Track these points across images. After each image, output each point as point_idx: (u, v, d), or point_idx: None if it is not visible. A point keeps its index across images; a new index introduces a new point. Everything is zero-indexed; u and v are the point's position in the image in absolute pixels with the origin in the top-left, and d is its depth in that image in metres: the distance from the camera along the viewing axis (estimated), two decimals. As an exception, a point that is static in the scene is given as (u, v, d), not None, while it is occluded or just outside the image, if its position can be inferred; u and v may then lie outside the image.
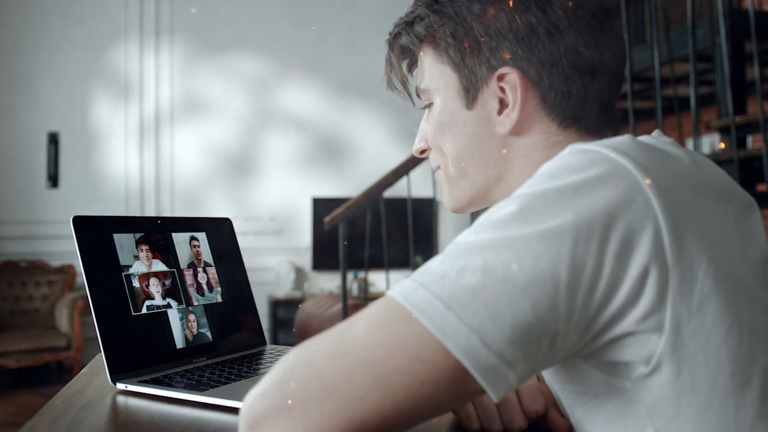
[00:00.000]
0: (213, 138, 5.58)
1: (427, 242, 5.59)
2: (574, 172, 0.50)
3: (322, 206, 5.50)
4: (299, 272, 5.76)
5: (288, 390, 0.48)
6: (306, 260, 5.77)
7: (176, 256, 0.96)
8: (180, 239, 0.98)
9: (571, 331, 0.48)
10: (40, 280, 5.03)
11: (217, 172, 5.59)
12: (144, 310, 0.88)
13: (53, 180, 5.30)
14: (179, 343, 0.91)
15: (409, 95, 0.73)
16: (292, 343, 1.09)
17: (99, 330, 0.82)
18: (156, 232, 0.95)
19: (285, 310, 5.40)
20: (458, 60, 0.64)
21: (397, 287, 0.50)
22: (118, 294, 0.86)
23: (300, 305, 5.00)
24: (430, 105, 0.70)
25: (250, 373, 0.86)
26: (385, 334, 0.47)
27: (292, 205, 5.74)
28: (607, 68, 0.62)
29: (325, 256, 5.60)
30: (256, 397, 0.49)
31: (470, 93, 0.64)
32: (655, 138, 0.59)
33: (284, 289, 5.56)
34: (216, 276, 1.01)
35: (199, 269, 0.99)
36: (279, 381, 0.48)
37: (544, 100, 0.62)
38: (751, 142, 3.96)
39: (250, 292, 1.05)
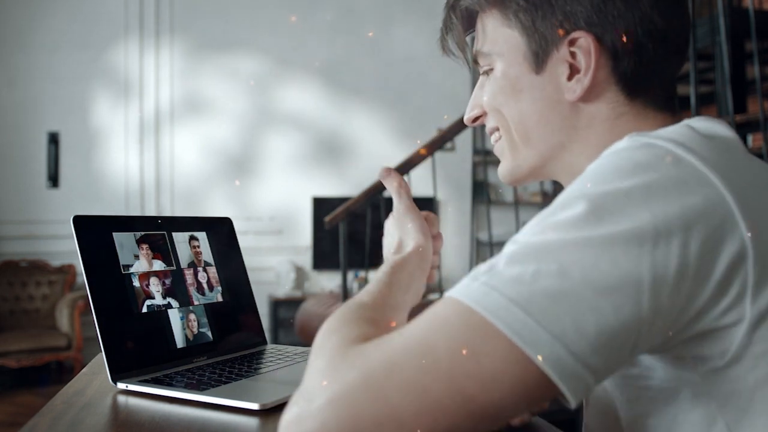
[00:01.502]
0: (213, 138, 5.58)
1: (428, 241, 5.58)
2: (643, 170, 0.49)
3: (322, 206, 5.50)
4: (299, 272, 5.76)
5: (359, 427, 0.43)
6: (306, 260, 5.77)
7: (176, 255, 0.96)
8: (180, 239, 0.98)
9: (654, 333, 0.47)
10: (40, 280, 5.03)
11: (217, 172, 5.59)
12: (144, 310, 0.88)
13: (53, 180, 5.30)
14: (180, 342, 0.91)
15: (467, 60, 0.71)
16: (293, 343, 1.09)
17: (99, 330, 0.82)
18: (156, 232, 0.95)
19: (285, 309, 5.39)
20: (528, 23, 0.62)
21: (462, 290, 0.47)
22: (118, 293, 0.86)
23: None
24: (489, 70, 0.68)
25: (250, 373, 0.86)
26: (469, 360, 0.44)
27: (292, 205, 5.74)
28: (676, 40, 0.61)
29: (325, 255, 5.60)
30: (319, 427, 0.44)
31: (539, 57, 0.62)
32: (708, 122, 0.57)
33: (284, 289, 5.56)
34: (216, 275, 1.01)
35: (199, 269, 0.99)
36: (347, 416, 0.44)
37: (615, 68, 0.61)
38: (752, 140, 3.96)
39: (251, 291, 1.05)
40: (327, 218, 3.26)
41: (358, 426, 0.43)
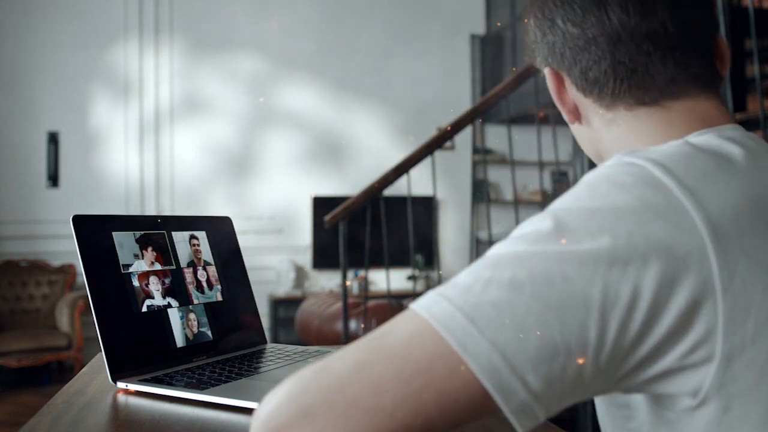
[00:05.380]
0: (213, 137, 5.58)
1: (427, 241, 5.58)
2: (616, 191, 0.48)
3: (322, 205, 5.50)
4: (299, 271, 5.76)
5: (307, 402, 0.45)
6: (306, 259, 5.77)
7: (176, 254, 0.96)
8: (180, 238, 0.98)
9: (602, 364, 0.45)
10: (40, 280, 5.03)
11: (217, 172, 5.59)
12: (144, 309, 0.89)
13: (53, 180, 5.30)
14: (179, 341, 0.91)
15: None
16: (293, 342, 1.09)
17: (99, 329, 0.82)
18: (156, 231, 0.95)
19: (285, 308, 5.40)
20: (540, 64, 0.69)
21: (421, 299, 0.48)
22: (118, 293, 0.86)
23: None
24: None
25: (250, 372, 0.86)
26: (412, 350, 0.45)
27: (292, 204, 5.74)
28: (601, 39, 0.60)
29: (325, 254, 5.60)
30: (273, 408, 0.47)
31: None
32: (716, 135, 0.55)
33: (284, 288, 5.56)
34: (216, 275, 1.01)
35: (199, 268, 0.99)
36: (297, 393, 0.46)
37: (576, 85, 0.64)
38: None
39: (251, 290, 1.05)
40: (327, 217, 3.26)
41: (317, 414, 0.45)
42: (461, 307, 0.45)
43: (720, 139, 0.54)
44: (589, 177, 0.51)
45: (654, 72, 0.60)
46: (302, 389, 0.46)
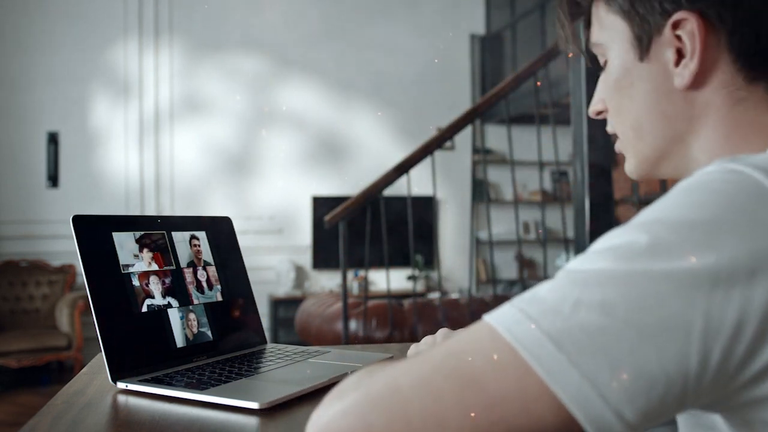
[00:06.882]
0: (213, 137, 5.58)
1: (427, 241, 5.58)
2: (718, 202, 0.43)
3: (322, 205, 5.51)
4: (299, 271, 5.76)
5: (370, 420, 0.43)
6: (306, 259, 5.77)
7: (176, 255, 0.96)
8: (180, 238, 0.98)
9: (704, 390, 0.41)
10: (40, 280, 5.03)
11: (217, 172, 5.59)
12: (144, 309, 0.89)
13: (53, 180, 5.30)
14: (179, 342, 0.91)
15: (583, 54, 0.67)
16: (293, 342, 1.09)
17: (99, 329, 0.82)
18: (156, 231, 0.95)
19: (285, 308, 5.40)
20: (627, 7, 0.58)
21: (499, 314, 0.44)
22: (118, 293, 0.86)
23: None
24: (605, 62, 0.63)
25: (250, 372, 0.86)
26: (489, 379, 0.41)
27: (292, 204, 5.74)
28: None
29: (325, 254, 5.60)
30: (335, 417, 0.45)
31: (643, 43, 0.57)
32: None
33: (284, 288, 5.56)
34: (216, 275, 1.01)
35: (199, 268, 0.99)
36: (361, 408, 0.44)
37: (728, 46, 0.54)
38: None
39: (251, 290, 1.05)
40: (327, 217, 3.26)
41: (371, 416, 0.43)
42: (548, 331, 0.41)
43: None
44: (685, 184, 0.46)
45: None
46: (369, 404, 0.44)
